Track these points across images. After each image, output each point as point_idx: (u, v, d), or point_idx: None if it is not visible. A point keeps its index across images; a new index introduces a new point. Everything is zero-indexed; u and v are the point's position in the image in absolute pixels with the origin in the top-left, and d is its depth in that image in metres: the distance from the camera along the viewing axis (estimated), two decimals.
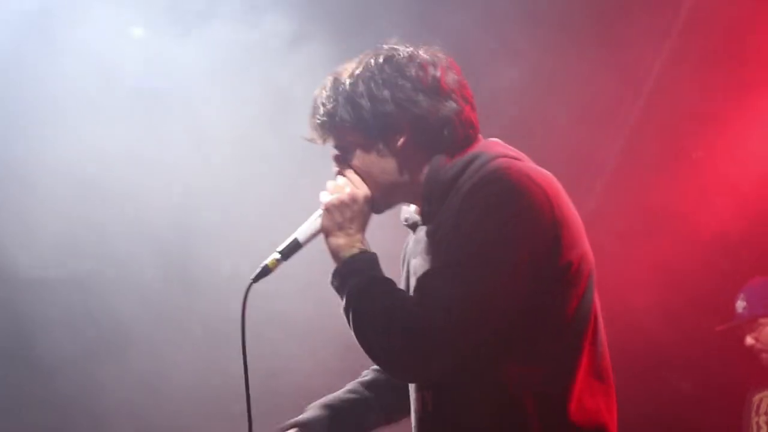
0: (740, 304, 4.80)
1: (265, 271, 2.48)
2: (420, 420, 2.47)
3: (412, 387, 2.51)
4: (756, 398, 4.90)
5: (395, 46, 2.50)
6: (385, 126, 2.44)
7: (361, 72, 2.47)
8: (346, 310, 2.36)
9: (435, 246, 2.41)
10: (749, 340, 4.76)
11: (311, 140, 2.53)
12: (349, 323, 2.36)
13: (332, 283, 2.42)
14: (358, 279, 2.36)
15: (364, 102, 2.44)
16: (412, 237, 2.59)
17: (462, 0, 4.99)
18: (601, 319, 2.41)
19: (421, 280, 2.36)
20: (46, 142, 4.61)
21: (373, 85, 2.44)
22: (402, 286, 2.55)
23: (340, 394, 2.76)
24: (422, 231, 2.49)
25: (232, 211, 4.80)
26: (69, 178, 4.62)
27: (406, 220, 2.58)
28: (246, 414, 2.49)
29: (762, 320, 4.75)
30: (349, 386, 2.78)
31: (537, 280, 2.28)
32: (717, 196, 5.31)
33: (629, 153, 5.52)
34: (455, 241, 2.30)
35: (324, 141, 2.52)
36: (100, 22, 4.63)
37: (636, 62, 5.26)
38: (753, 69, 5.20)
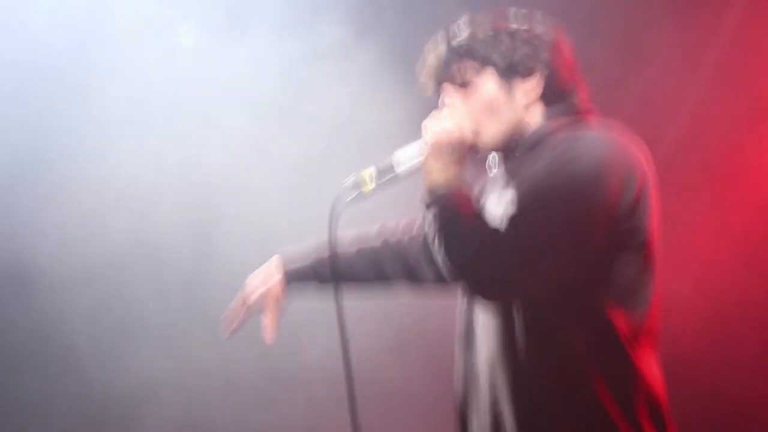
0: None
1: (360, 194, 2.55)
2: (502, 344, 2.45)
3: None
4: None
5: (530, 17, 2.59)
6: (522, 70, 2.51)
7: (499, 18, 2.56)
8: (435, 220, 2.36)
9: (515, 183, 2.45)
10: None
11: (427, 80, 2.57)
12: (432, 247, 2.38)
13: (423, 200, 2.42)
14: (456, 200, 2.37)
15: (508, 42, 2.51)
16: (484, 180, 2.67)
17: None
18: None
19: (515, 209, 2.36)
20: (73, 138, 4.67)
21: (513, 30, 2.54)
22: None
23: (372, 239, 2.89)
24: (499, 170, 2.56)
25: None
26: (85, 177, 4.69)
27: (488, 162, 2.63)
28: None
29: None
30: (383, 239, 2.89)
31: (612, 231, 2.36)
32: None
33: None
34: (539, 177, 2.37)
35: (439, 83, 2.56)
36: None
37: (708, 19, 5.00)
38: None
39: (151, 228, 4.75)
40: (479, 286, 2.37)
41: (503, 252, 2.30)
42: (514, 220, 2.32)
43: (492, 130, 2.52)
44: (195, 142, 4.78)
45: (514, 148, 2.52)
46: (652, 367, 2.43)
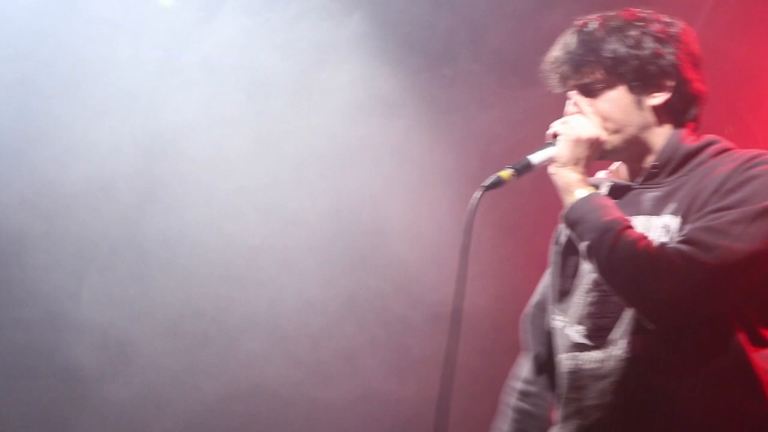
0: None
1: (498, 182, 2.50)
2: (630, 379, 2.39)
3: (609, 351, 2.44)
4: None
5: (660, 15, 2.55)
6: (654, 77, 2.49)
7: (633, 20, 2.51)
8: (599, 244, 2.35)
9: (679, 209, 2.41)
10: None
11: (549, 82, 2.56)
12: (597, 260, 2.36)
13: (567, 217, 2.44)
14: (614, 217, 2.37)
15: (639, 48, 2.48)
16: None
17: None
18: None
19: (689, 233, 2.34)
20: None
21: (647, 34, 2.50)
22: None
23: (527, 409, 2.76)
24: (639, 195, 2.51)
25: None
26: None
27: (612, 184, 2.57)
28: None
29: None
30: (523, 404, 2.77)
31: None
32: None
33: None
34: (725, 202, 2.34)
35: (566, 81, 2.53)
36: None
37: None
38: None
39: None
40: (649, 306, 2.34)
41: (682, 272, 2.29)
42: (695, 242, 2.30)
43: (618, 136, 2.51)
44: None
45: (659, 166, 2.50)
46: None
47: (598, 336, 2.45)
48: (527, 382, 2.75)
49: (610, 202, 2.42)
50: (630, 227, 2.36)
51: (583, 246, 2.39)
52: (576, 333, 2.49)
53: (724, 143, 2.51)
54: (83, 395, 4.62)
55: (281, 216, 4.71)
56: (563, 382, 2.51)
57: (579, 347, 2.48)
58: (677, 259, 2.29)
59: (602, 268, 2.35)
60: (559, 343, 2.55)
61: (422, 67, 4.82)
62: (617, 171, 2.61)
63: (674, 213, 2.40)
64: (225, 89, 4.64)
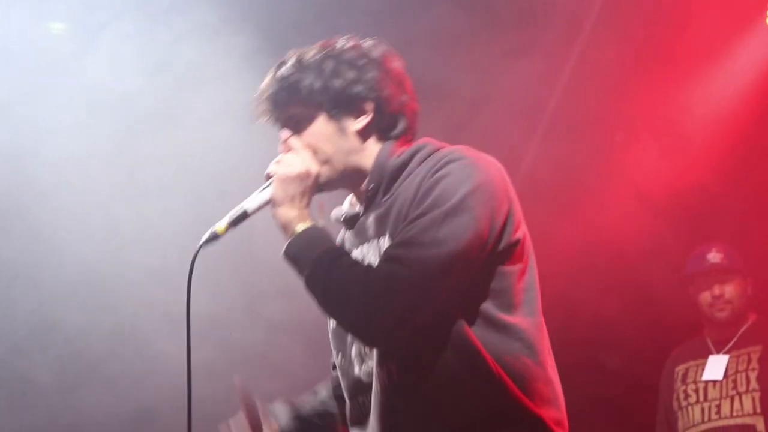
0: (715, 256, 4.99)
1: (214, 236, 2.50)
2: (383, 392, 2.42)
3: (368, 365, 2.47)
4: (679, 369, 5.04)
5: (356, 38, 2.57)
6: (350, 105, 2.50)
7: (328, 52, 2.53)
8: (313, 279, 2.37)
9: (391, 225, 2.42)
10: (717, 290, 4.94)
11: (258, 118, 2.57)
12: (315, 293, 2.37)
13: (287, 253, 2.43)
14: (324, 250, 2.38)
15: (333, 79, 2.50)
16: (347, 232, 2.61)
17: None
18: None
19: (389, 250, 2.35)
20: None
21: (342, 63, 2.51)
22: None
23: (311, 403, 2.79)
24: (365, 220, 2.53)
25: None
26: None
27: (343, 216, 2.61)
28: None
29: (734, 274, 4.96)
30: (316, 398, 2.80)
31: (494, 249, 2.37)
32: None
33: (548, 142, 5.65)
34: (418, 211, 2.34)
35: (274, 116, 2.56)
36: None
37: (554, 49, 5.41)
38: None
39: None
40: (369, 335, 2.36)
41: (393, 295, 2.28)
42: (400, 258, 2.29)
43: (329, 166, 2.51)
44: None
45: (373, 186, 2.50)
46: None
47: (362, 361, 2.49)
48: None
49: (324, 234, 2.43)
50: (340, 256, 2.37)
51: (303, 282, 2.40)
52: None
53: (431, 146, 2.50)
54: None
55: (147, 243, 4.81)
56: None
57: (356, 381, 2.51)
58: (378, 281, 2.29)
59: (319, 301, 2.37)
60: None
61: None
62: (351, 200, 2.62)
63: (391, 232, 2.41)
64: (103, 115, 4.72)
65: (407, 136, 2.56)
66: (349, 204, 2.63)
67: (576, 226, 5.34)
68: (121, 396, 4.90)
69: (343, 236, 2.63)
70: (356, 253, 2.50)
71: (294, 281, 2.44)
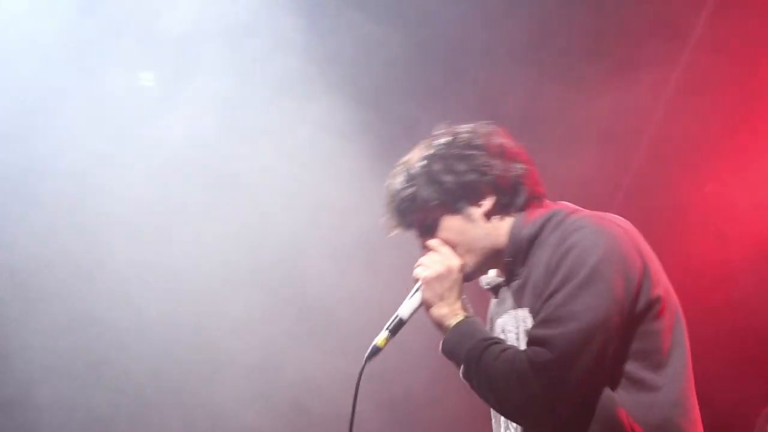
0: None
1: (376, 350, 2.61)
2: None
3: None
4: None
5: (451, 128, 2.65)
6: (470, 194, 2.58)
7: (431, 154, 2.61)
8: (467, 373, 2.48)
9: (528, 298, 2.51)
10: None
11: (394, 230, 2.67)
12: (472, 385, 2.49)
13: (443, 350, 2.56)
14: (473, 343, 2.49)
15: (445, 177, 2.58)
16: (493, 300, 2.73)
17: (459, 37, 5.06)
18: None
19: (532, 332, 2.43)
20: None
21: (448, 161, 2.59)
22: None
23: None
24: (506, 290, 2.62)
25: None
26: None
27: (488, 284, 2.71)
28: None
29: None
30: None
31: (634, 309, 2.41)
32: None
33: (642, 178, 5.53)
34: (551, 288, 2.41)
35: (408, 226, 2.65)
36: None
37: (647, 88, 5.29)
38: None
39: None
40: (529, 420, 2.46)
41: (548, 380, 2.35)
42: (547, 341, 2.36)
43: (470, 255, 2.60)
44: None
45: (510, 260, 2.57)
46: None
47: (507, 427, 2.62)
48: None
49: (474, 326, 2.53)
50: (488, 347, 2.46)
51: (460, 375, 2.51)
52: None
53: (563, 213, 2.55)
54: None
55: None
56: None
57: None
58: (525, 367, 2.37)
59: (477, 392, 2.48)
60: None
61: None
62: (498, 270, 2.69)
63: (529, 305, 2.50)
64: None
65: (535, 201, 2.61)
66: (495, 272, 2.69)
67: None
68: None
69: (491, 302, 2.74)
70: (499, 322, 2.63)
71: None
